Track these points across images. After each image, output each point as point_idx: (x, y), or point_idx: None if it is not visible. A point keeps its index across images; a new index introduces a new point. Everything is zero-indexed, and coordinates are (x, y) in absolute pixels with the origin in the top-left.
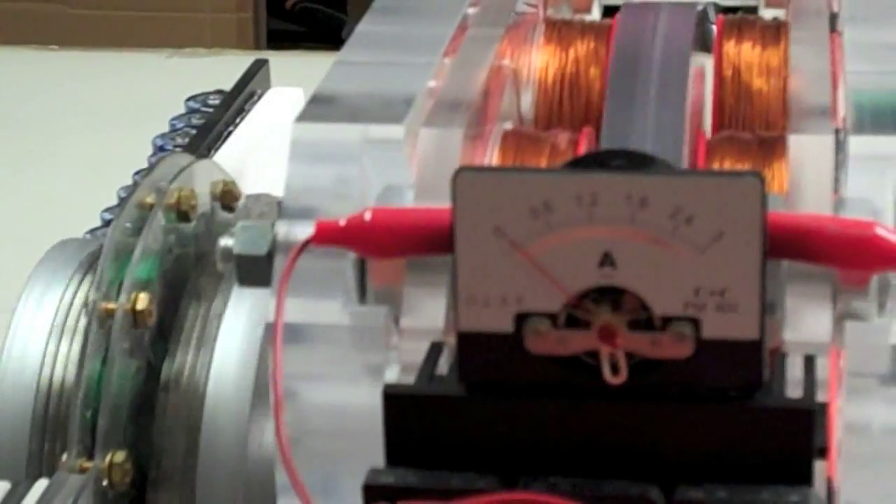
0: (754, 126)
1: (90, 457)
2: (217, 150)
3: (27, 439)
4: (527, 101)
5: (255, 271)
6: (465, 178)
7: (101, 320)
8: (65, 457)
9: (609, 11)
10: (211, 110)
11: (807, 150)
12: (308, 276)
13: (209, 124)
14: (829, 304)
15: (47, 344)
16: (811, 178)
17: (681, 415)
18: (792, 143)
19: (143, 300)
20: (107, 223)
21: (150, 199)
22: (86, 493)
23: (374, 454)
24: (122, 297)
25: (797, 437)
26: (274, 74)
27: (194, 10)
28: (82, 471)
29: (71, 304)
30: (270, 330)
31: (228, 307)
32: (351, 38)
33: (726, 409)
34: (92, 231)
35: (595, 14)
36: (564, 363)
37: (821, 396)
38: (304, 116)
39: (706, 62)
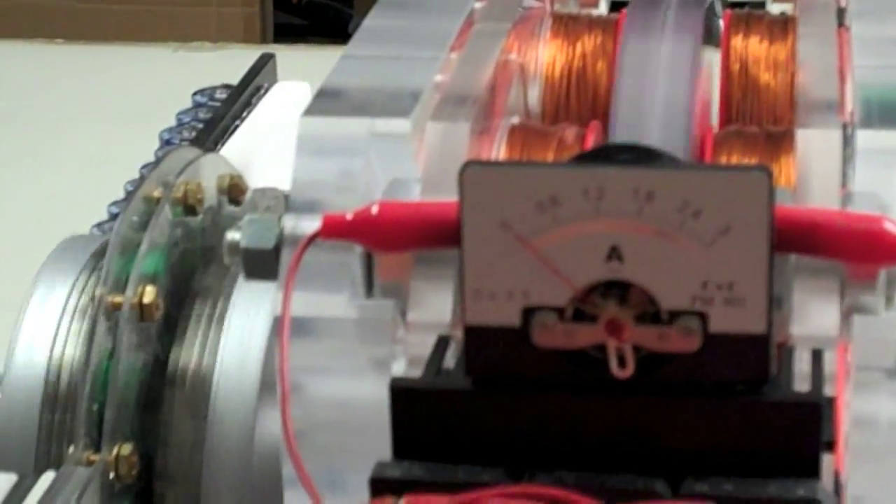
0: (762, 120)
1: (97, 449)
2: (224, 143)
3: (34, 432)
4: (534, 96)
5: (261, 265)
6: (472, 172)
7: (107, 314)
8: (71, 449)
9: (616, 6)
10: (218, 104)
11: (814, 145)
12: (315, 270)
13: (216, 118)
14: (837, 298)
15: (55, 338)
16: (819, 173)
17: (688, 409)
18: (799, 138)
19: (149, 294)
20: (113, 217)
21: (156, 193)
22: (92, 485)
23: (380, 447)
24: (129, 291)
25: (804, 430)
26: (280, 69)
27: (201, 4)
28: (89, 463)
29: (78, 299)
30: (277, 323)
31: (235, 301)
32: (358, 33)
33: (733, 402)
34: (99, 225)
35: (602, 8)
36: (571, 357)
37: (828, 390)
38: (310, 110)
39: (713, 57)
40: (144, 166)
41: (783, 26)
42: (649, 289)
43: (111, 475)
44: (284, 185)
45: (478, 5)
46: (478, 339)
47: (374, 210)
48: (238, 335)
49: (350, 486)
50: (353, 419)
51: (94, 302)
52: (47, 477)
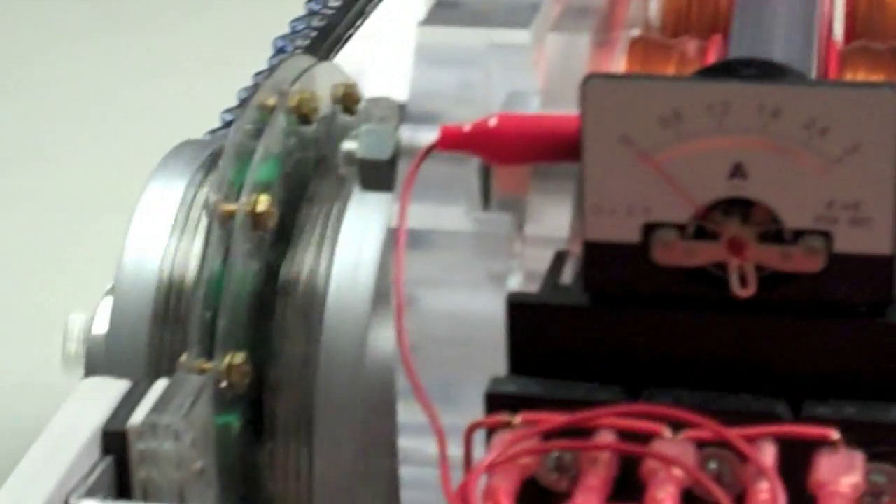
0: (888, 36)
1: (209, 357)
2: (337, 52)
3: (147, 339)
4: (654, 8)
5: (377, 176)
6: (595, 85)
7: (221, 221)
8: (184, 357)
9: None
10: (332, 12)
11: None
12: (431, 182)
13: (330, 26)
14: None
15: (168, 244)
16: None
17: (809, 330)
18: None
19: (263, 202)
20: (227, 124)
21: (271, 102)
22: (205, 393)
23: (495, 363)
24: (243, 199)
25: None
26: None
27: None
28: (201, 371)
29: (191, 204)
30: (393, 235)
31: (349, 211)
32: None
33: (856, 324)
34: (213, 132)
35: None
36: (691, 275)
37: None
38: (429, 20)
39: None
40: (258, 74)
41: None
42: (773, 207)
43: (223, 383)
44: (398, 94)
45: None
46: (597, 254)
47: (493, 122)
48: (351, 246)
49: (464, 400)
50: (469, 333)
51: (207, 209)
52: (160, 384)
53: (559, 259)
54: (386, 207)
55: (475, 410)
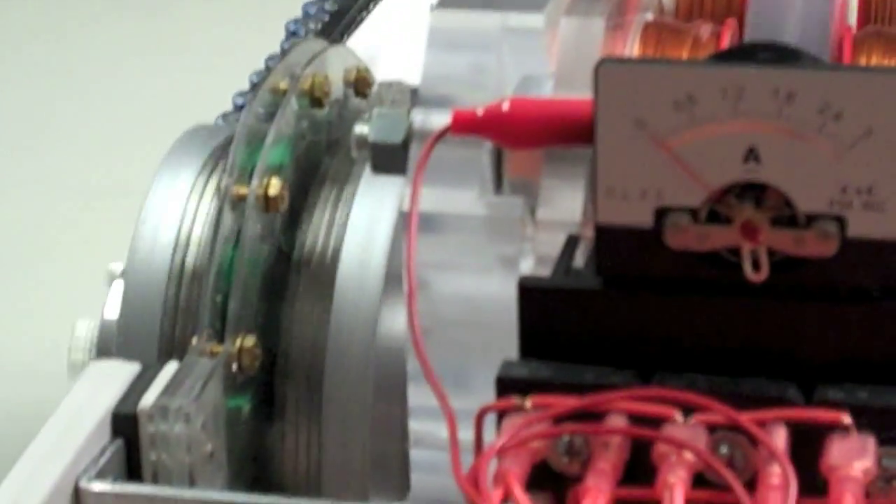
0: None
1: (220, 340)
2: (350, 35)
3: (158, 322)
4: None
5: (389, 159)
6: (608, 69)
7: (233, 204)
8: (195, 340)
9: None
10: None
11: None
12: (443, 166)
13: (342, 10)
14: None
15: (179, 228)
16: None
17: (822, 314)
18: None
19: (275, 185)
20: (239, 108)
21: (283, 85)
22: (216, 375)
23: (506, 346)
24: (255, 182)
25: None
26: None
27: None
28: (212, 354)
29: (203, 188)
30: (405, 219)
31: (360, 195)
32: None
33: (870, 309)
34: (224, 115)
35: None
36: (704, 259)
37: None
38: (442, 3)
39: None
40: (270, 58)
41: None
42: (786, 191)
43: (234, 367)
44: (411, 78)
45: None
46: (609, 238)
47: (506, 106)
48: (362, 229)
49: (475, 384)
50: (480, 317)
51: (219, 192)
52: (171, 367)
53: (571, 243)
54: (397, 191)
55: (486, 394)
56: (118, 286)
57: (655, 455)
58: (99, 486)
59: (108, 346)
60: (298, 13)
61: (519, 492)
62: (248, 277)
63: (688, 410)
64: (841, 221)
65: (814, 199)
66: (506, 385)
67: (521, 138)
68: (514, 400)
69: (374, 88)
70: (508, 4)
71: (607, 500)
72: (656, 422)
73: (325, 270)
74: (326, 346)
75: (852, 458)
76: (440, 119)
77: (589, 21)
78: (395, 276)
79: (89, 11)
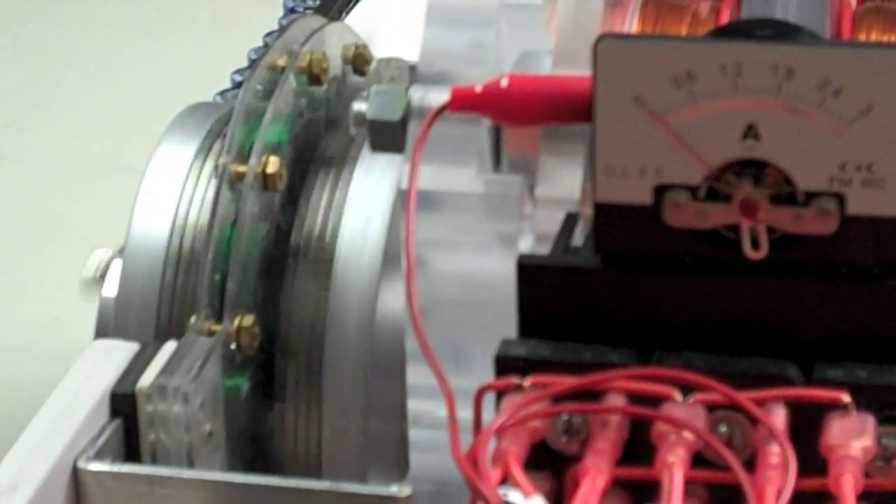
0: None
1: (218, 320)
2: (348, 12)
3: (156, 302)
4: None
5: (388, 136)
6: (607, 45)
7: (231, 183)
8: (193, 319)
9: None
10: None
11: None
12: (442, 143)
13: None
14: None
15: (177, 207)
16: None
17: (822, 292)
18: None
19: (273, 163)
20: (237, 85)
21: (281, 62)
22: (214, 355)
23: (505, 325)
24: (253, 160)
25: None
26: None
27: None
28: (210, 334)
29: (201, 166)
30: (403, 196)
31: (359, 172)
32: None
33: (870, 287)
34: (222, 93)
35: None
36: (703, 237)
37: None
38: None
39: None
40: (268, 34)
41: None
42: (786, 168)
43: (232, 346)
44: (410, 55)
45: None
46: (608, 216)
47: (504, 83)
48: (361, 207)
49: (474, 362)
50: (478, 295)
51: (217, 170)
52: (169, 346)
53: (570, 221)
54: (396, 168)
55: (485, 373)
56: (116, 265)
57: (654, 434)
58: (97, 466)
59: (106, 324)
60: None
61: (517, 471)
62: (247, 256)
63: (687, 389)
64: (840, 199)
65: (813, 176)
66: (504, 364)
67: (520, 115)
68: (513, 379)
69: (373, 65)
70: None
71: (606, 479)
72: (655, 401)
73: (323, 249)
74: (325, 325)
75: (851, 437)
76: (439, 96)
77: None
78: (393, 255)
79: None
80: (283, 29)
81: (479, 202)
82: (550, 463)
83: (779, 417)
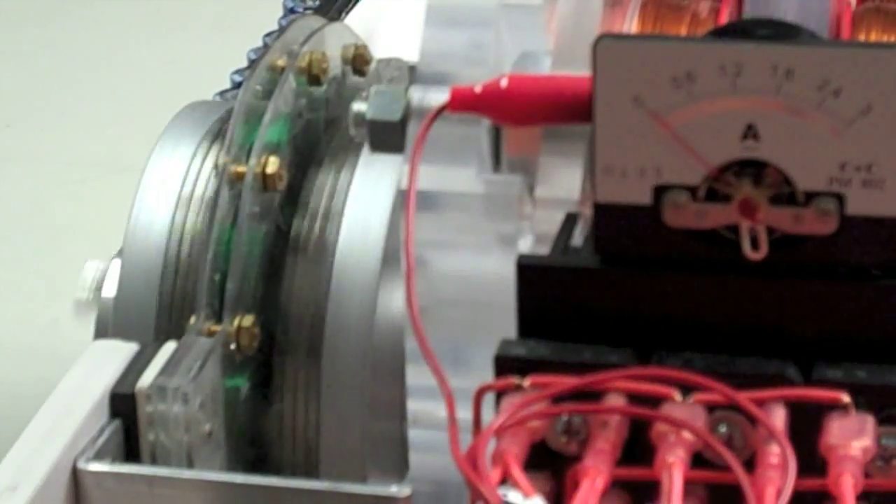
0: None
1: (218, 320)
2: (348, 12)
3: (156, 302)
4: None
5: (387, 137)
6: (606, 45)
7: (230, 183)
8: (193, 320)
9: None
10: None
11: None
12: (442, 143)
13: None
14: None
15: (176, 207)
16: None
17: (821, 292)
18: None
19: (273, 163)
20: (236, 85)
21: (281, 62)
22: (213, 355)
23: (505, 325)
24: (252, 160)
25: None
26: None
27: None
28: (210, 334)
29: (200, 167)
30: (403, 197)
31: (358, 173)
32: None
33: (869, 287)
34: (221, 93)
35: None
36: (703, 237)
37: None
38: None
39: None
40: (268, 34)
41: None
42: (785, 169)
43: (232, 346)
44: (410, 55)
45: None
46: (608, 216)
47: (504, 83)
48: (361, 208)
49: (473, 363)
50: (478, 296)
51: (216, 170)
52: (168, 347)
53: (569, 221)
54: (396, 169)
55: (484, 373)
56: (116, 265)
57: (654, 434)
58: (97, 466)
59: (105, 325)
60: None
61: (517, 472)
62: (246, 256)
63: (686, 389)
64: (840, 199)
65: (813, 176)
66: (504, 364)
67: (520, 115)
68: (513, 379)
69: (373, 66)
70: None
71: (606, 479)
72: (655, 401)
73: (323, 249)
74: (325, 326)
75: (851, 437)
76: (438, 96)
77: None
78: (393, 255)
79: None
80: (282, 29)
81: (478, 202)
82: (550, 463)
83: (778, 418)
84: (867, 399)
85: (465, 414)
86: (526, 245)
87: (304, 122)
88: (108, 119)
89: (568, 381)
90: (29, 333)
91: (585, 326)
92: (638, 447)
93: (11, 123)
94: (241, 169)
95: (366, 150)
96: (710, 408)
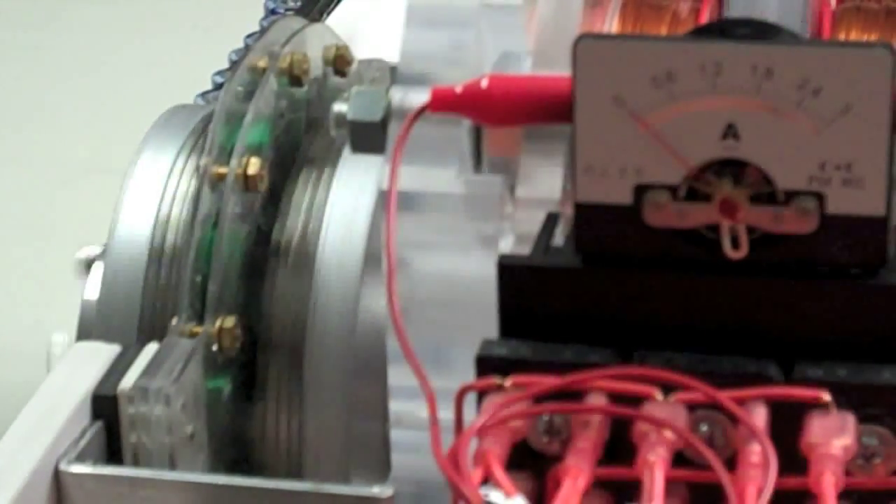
0: None
1: (200, 321)
2: (329, 13)
3: (138, 303)
4: None
5: (368, 138)
6: (586, 45)
7: (212, 184)
8: (175, 321)
9: None
10: None
11: None
12: (422, 144)
13: None
14: None
15: (159, 209)
16: None
17: (802, 291)
18: None
19: (254, 164)
20: (218, 86)
21: (262, 63)
22: (196, 357)
23: (486, 325)
24: (234, 162)
25: None
26: None
27: None
28: (192, 335)
29: (183, 169)
30: (384, 197)
31: (340, 173)
32: None
33: (849, 286)
34: (203, 94)
35: None
36: (683, 236)
37: None
38: None
39: None
40: (249, 36)
41: None
42: (765, 168)
43: (214, 347)
44: (390, 56)
45: None
46: (588, 216)
47: (485, 83)
48: (343, 208)
49: (455, 363)
50: (460, 296)
51: (198, 172)
52: (150, 348)
53: (550, 221)
54: (378, 170)
55: (466, 373)
56: (98, 267)
57: (635, 434)
58: (79, 468)
59: (88, 327)
60: None
61: (499, 471)
62: (228, 258)
63: (668, 389)
64: (820, 198)
65: (793, 175)
66: (485, 364)
67: (500, 116)
68: (494, 379)
69: (354, 67)
70: None
71: (587, 479)
72: (636, 400)
73: (305, 250)
74: (307, 327)
75: (832, 435)
76: (419, 97)
77: None
78: (375, 256)
79: None
80: (263, 30)
81: (459, 203)
82: (532, 463)
83: (759, 416)
84: (848, 398)
85: (447, 414)
86: (507, 245)
87: (285, 123)
88: (92, 122)
89: (549, 381)
90: (12, 335)
91: (567, 326)
92: (620, 447)
93: None
94: (222, 170)
95: (348, 150)
96: (692, 407)
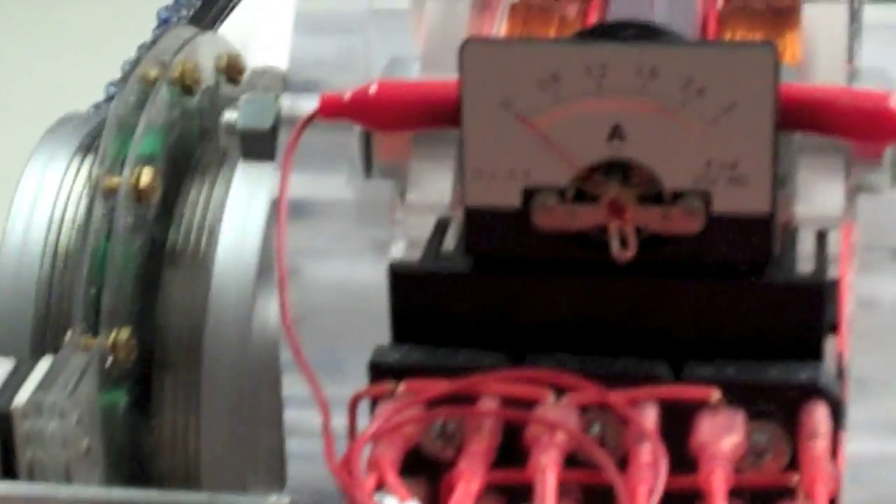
0: None
1: (94, 334)
2: (222, 22)
3: (31, 317)
4: None
5: (258, 145)
6: (473, 49)
7: (104, 196)
8: (69, 334)
9: None
10: None
11: (820, 20)
12: (313, 151)
13: None
14: (842, 176)
15: (50, 219)
16: (824, 49)
17: (690, 290)
18: (805, 13)
19: (146, 175)
20: (112, 97)
21: (153, 73)
22: (90, 370)
23: (379, 331)
24: (126, 173)
25: (808, 312)
26: None
27: None
28: (86, 348)
29: (74, 180)
30: (275, 206)
31: (234, 183)
32: None
33: (736, 284)
34: (97, 105)
35: None
36: (573, 239)
37: (832, 272)
38: None
39: None
40: (142, 46)
41: None
42: (652, 168)
43: (109, 360)
44: (283, 64)
45: None
46: (478, 220)
47: (373, 89)
48: (236, 218)
49: (348, 370)
50: (352, 303)
51: (90, 183)
52: (44, 362)
53: (441, 225)
54: (272, 178)
55: (360, 380)
56: None
57: (528, 437)
58: None
59: None
60: (170, 0)
61: (392, 478)
62: (122, 269)
63: (560, 391)
64: (706, 197)
65: (679, 175)
66: (378, 370)
67: (390, 121)
68: (387, 385)
69: (246, 75)
70: None
71: (480, 482)
72: (529, 403)
73: (199, 261)
74: (202, 338)
75: (721, 434)
76: (309, 104)
77: (455, 2)
78: (269, 265)
79: None
80: (154, 40)
81: (350, 209)
82: (426, 469)
83: (650, 417)
84: (738, 396)
85: (343, 422)
86: (398, 251)
87: (178, 132)
88: None
89: (441, 386)
90: None
91: (459, 330)
92: (513, 450)
93: None
94: (114, 181)
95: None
96: (583, 408)
